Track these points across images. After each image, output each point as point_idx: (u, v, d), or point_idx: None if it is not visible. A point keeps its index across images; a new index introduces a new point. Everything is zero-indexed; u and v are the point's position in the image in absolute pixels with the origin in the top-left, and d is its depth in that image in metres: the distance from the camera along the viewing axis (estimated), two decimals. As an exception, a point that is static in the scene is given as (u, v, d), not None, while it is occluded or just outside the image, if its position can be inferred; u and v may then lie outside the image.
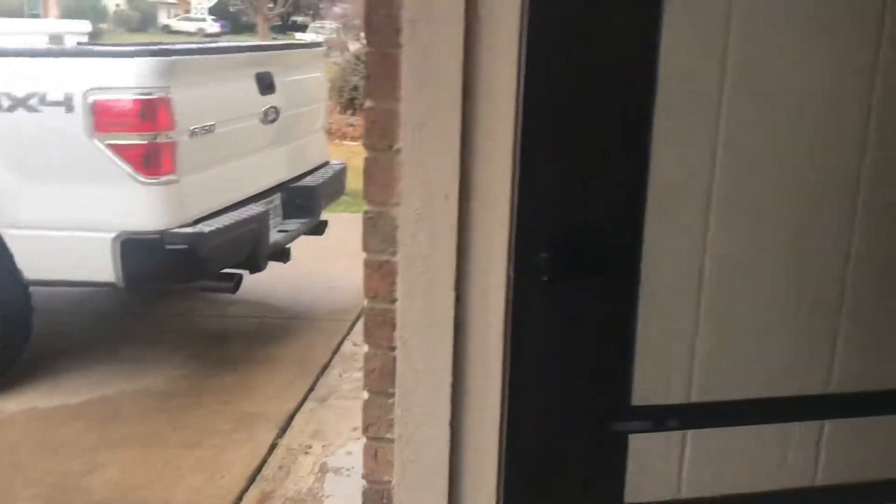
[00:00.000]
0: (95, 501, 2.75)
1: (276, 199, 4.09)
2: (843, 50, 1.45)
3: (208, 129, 3.45)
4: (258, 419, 3.31)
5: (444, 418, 1.51)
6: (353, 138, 9.92)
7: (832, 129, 1.48)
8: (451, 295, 1.47)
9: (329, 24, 23.16)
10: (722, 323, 1.53)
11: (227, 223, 3.47)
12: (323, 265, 5.05)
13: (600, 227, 1.48)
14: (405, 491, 1.55)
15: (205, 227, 3.36)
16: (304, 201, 4.25)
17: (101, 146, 3.19)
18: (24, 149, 3.31)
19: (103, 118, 3.18)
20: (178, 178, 3.28)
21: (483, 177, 1.43)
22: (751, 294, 1.53)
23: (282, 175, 4.16)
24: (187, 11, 44.29)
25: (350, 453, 3.02)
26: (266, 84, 3.93)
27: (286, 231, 4.10)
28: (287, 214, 4.19)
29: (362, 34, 1.48)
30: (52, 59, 3.61)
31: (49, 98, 3.20)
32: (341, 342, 4.12)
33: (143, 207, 3.26)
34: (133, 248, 3.26)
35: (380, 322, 1.51)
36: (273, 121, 3.95)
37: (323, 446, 3.11)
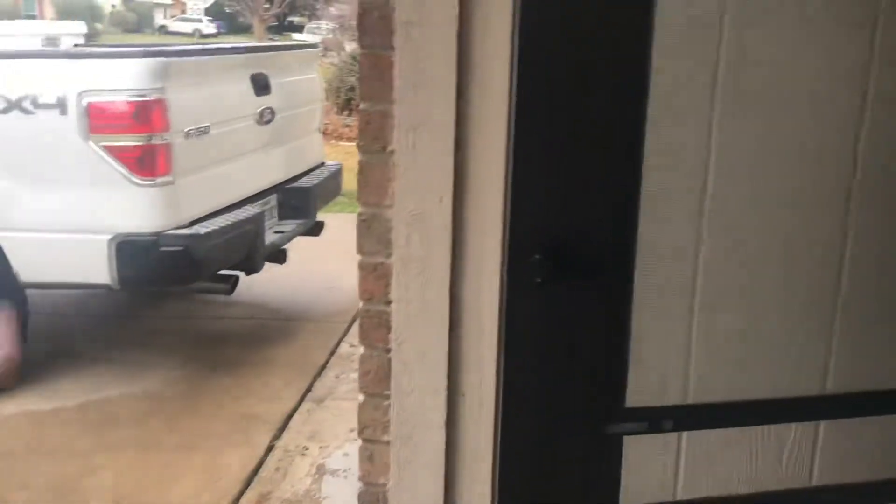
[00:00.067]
0: (91, 505, 2.75)
1: (272, 200, 4.09)
2: (835, 55, 1.45)
3: (203, 131, 3.44)
4: (255, 421, 3.30)
5: (440, 420, 1.51)
6: (350, 139, 9.92)
7: (825, 133, 1.48)
8: (446, 297, 1.47)
9: (325, 25, 23.17)
10: (716, 324, 1.54)
11: (222, 224, 3.46)
12: (319, 266, 5.04)
13: (594, 229, 1.48)
14: (401, 493, 1.55)
15: (200, 229, 3.36)
16: (300, 202, 4.24)
17: (96, 148, 3.19)
18: (18, 151, 3.30)
19: (98, 120, 3.18)
20: (173, 180, 3.28)
21: (477, 179, 1.43)
22: (745, 295, 1.53)
23: (278, 176, 4.16)
24: (183, 12, 44.26)
25: (347, 455, 3.01)
26: (261, 85, 3.92)
27: (282, 232, 4.10)
28: (283, 215, 4.18)
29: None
30: (45, 60, 3.61)
31: (43, 100, 3.20)
32: (338, 343, 4.11)
33: (138, 209, 3.25)
34: (128, 249, 3.25)
35: (375, 324, 1.51)
36: (269, 122, 3.94)
37: (320, 448, 3.11)
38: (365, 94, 1.43)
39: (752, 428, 1.61)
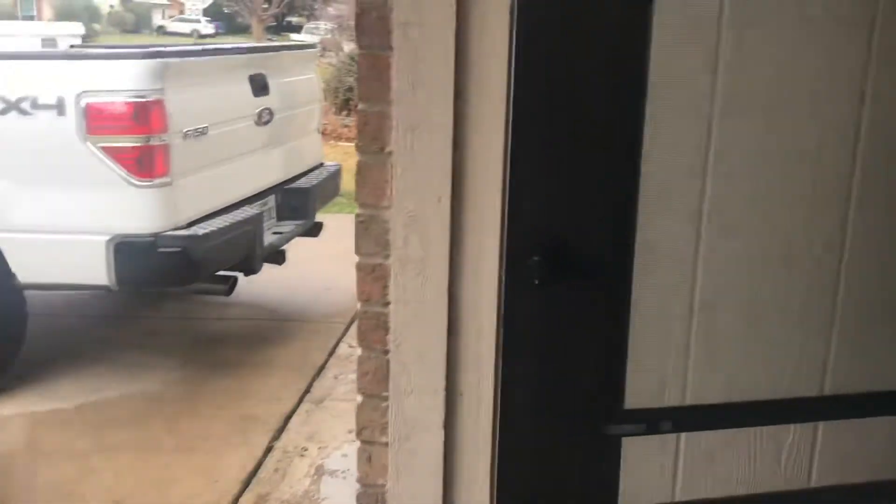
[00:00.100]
0: (90, 506, 2.75)
1: (271, 200, 4.09)
2: (834, 55, 1.45)
3: (202, 132, 3.44)
4: (253, 422, 3.30)
5: (438, 422, 1.51)
6: (349, 139, 9.91)
7: (824, 133, 1.48)
8: (444, 298, 1.46)
9: (324, 25, 23.17)
10: (715, 326, 1.53)
11: (221, 225, 3.46)
12: (318, 267, 5.03)
13: (592, 229, 1.47)
14: (399, 494, 1.55)
15: (199, 230, 3.35)
16: (298, 203, 4.24)
17: (94, 149, 3.18)
18: (17, 152, 3.30)
19: (96, 121, 3.17)
20: (171, 181, 3.27)
21: (475, 179, 1.43)
22: (743, 297, 1.53)
23: (276, 177, 4.15)
24: (181, 13, 44.25)
25: (346, 456, 3.01)
26: (260, 86, 3.92)
27: (281, 233, 4.09)
28: (282, 216, 4.18)
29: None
30: (44, 61, 3.60)
31: (41, 101, 3.19)
32: (337, 344, 4.11)
33: (136, 210, 3.25)
34: (127, 250, 3.25)
35: (373, 325, 1.51)
36: (267, 122, 3.94)
37: (319, 449, 3.11)
38: (363, 95, 1.43)
39: (750, 429, 1.61)
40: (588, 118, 1.43)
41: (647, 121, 1.42)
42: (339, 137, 10.22)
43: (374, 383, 1.52)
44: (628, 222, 1.45)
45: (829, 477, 1.65)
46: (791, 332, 1.56)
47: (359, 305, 1.51)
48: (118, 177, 3.19)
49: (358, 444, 1.56)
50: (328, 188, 4.61)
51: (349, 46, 13.67)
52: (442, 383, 1.50)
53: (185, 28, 39.07)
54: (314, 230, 4.45)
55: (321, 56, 10.95)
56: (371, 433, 1.54)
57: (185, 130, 3.32)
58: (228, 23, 36.77)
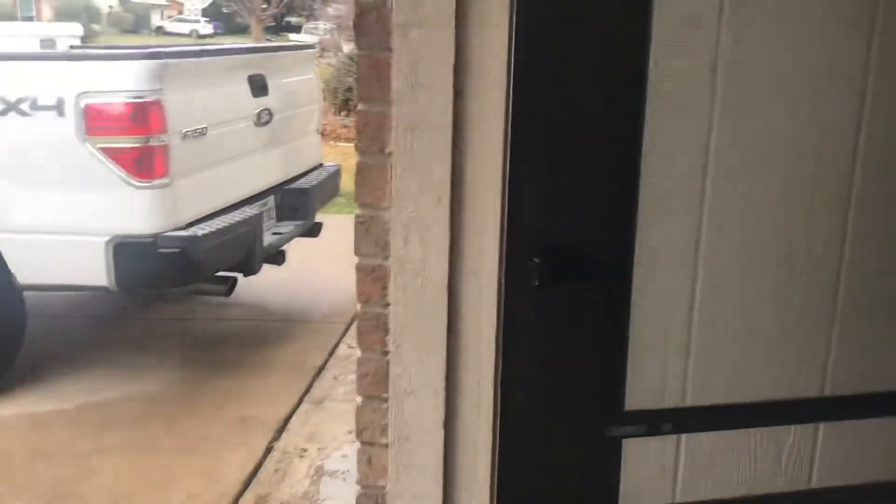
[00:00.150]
0: (89, 507, 2.74)
1: (270, 201, 4.08)
2: (834, 55, 1.45)
3: (201, 132, 3.43)
4: (253, 423, 3.30)
5: (438, 423, 1.51)
6: (348, 140, 9.91)
7: (824, 133, 1.48)
8: (444, 299, 1.46)
9: (323, 25, 23.16)
10: (715, 327, 1.53)
11: (220, 226, 3.45)
12: (317, 267, 5.03)
13: (592, 230, 1.47)
14: (400, 495, 1.55)
15: (198, 231, 3.35)
16: (298, 203, 4.24)
17: (93, 150, 3.18)
18: (16, 153, 3.30)
19: (95, 122, 3.17)
20: (170, 182, 3.27)
21: (475, 180, 1.43)
22: (743, 298, 1.53)
23: (276, 177, 4.15)
24: (180, 13, 44.24)
25: (346, 456, 3.01)
26: (259, 86, 3.91)
27: (280, 233, 4.09)
28: (281, 217, 4.17)
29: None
30: (43, 62, 3.60)
31: (40, 102, 3.19)
32: (336, 345, 4.11)
33: (135, 211, 3.25)
34: (126, 251, 3.25)
35: (373, 326, 1.50)
36: (266, 123, 3.94)
37: (318, 449, 3.11)
38: (362, 96, 1.42)
39: (750, 430, 1.60)
40: (588, 118, 1.43)
41: (646, 121, 1.41)
42: (338, 138, 10.22)
43: (374, 384, 1.52)
44: (628, 223, 1.45)
45: (830, 478, 1.65)
46: (791, 333, 1.56)
47: (358, 306, 1.50)
48: (117, 177, 3.19)
49: (358, 445, 1.56)
50: (328, 188, 4.61)
51: (348, 47, 13.66)
52: (442, 384, 1.49)
53: (184, 28, 39.07)
54: (314, 230, 4.45)
55: (320, 56, 10.95)
56: (371, 434, 1.54)
57: (184, 131, 3.32)
58: (227, 23, 36.76)
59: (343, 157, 7.45)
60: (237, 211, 3.67)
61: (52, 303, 4.39)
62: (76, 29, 5.94)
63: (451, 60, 1.37)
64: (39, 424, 3.29)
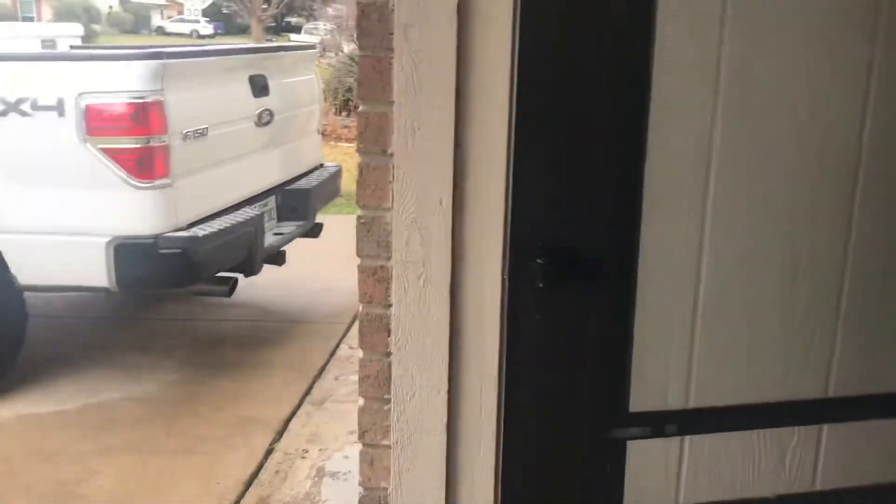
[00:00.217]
0: (90, 509, 2.74)
1: (271, 201, 4.08)
2: (838, 58, 1.44)
3: (202, 133, 3.43)
4: (254, 424, 3.29)
5: (441, 424, 1.50)
6: (348, 140, 9.91)
7: (828, 133, 1.48)
8: (446, 300, 1.46)
9: (323, 26, 23.17)
10: (719, 328, 1.53)
11: (221, 227, 3.45)
12: (318, 268, 5.03)
13: (596, 232, 1.46)
14: (402, 497, 1.54)
15: (199, 231, 3.34)
16: (298, 204, 4.23)
17: (94, 150, 3.17)
18: (16, 153, 3.29)
19: (96, 122, 3.16)
20: (171, 182, 3.27)
21: (477, 182, 1.42)
22: (747, 299, 1.52)
23: (276, 178, 4.15)
24: (180, 13, 44.26)
25: (347, 457, 3.01)
26: (260, 86, 3.91)
27: (281, 234, 4.09)
28: (282, 217, 4.17)
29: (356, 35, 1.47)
30: (44, 62, 3.60)
31: (41, 102, 3.19)
32: (337, 345, 4.10)
33: (136, 212, 3.24)
34: (127, 252, 3.24)
35: (375, 327, 1.50)
36: (267, 123, 3.93)
37: (320, 450, 3.10)
38: (364, 96, 1.42)
39: (754, 432, 1.60)
40: (592, 118, 1.42)
41: (650, 120, 1.41)
42: (338, 138, 10.22)
43: (376, 386, 1.52)
44: (632, 224, 1.44)
45: (834, 480, 1.64)
46: (795, 334, 1.55)
47: (360, 307, 1.50)
48: (118, 178, 3.18)
49: (359, 446, 1.56)
50: (328, 189, 4.60)
51: (349, 47, 13.66)
52: (444, 386, 1.49)
53: (185, 29, 39.11)
54: (314, 231, 4.45)
55: (321, 56, 10.96)
56: (373, 436, 1.54)
57: (185, 131, 3.31)
58: (227, 23, 36.80)
59: (343, 157, 7.45)
60: (238, 211, 3.67)
61: (52, 303, 4.38)
62: (77, 29, 5.93)
63: (454, 60, 1.37)
64: (40, 425, 3.29)
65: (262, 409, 3.42)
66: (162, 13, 45.07)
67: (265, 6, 26.17)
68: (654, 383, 1.53)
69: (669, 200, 1.45)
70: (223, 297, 3.78)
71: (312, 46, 5.67)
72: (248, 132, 3.84)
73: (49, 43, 5.19)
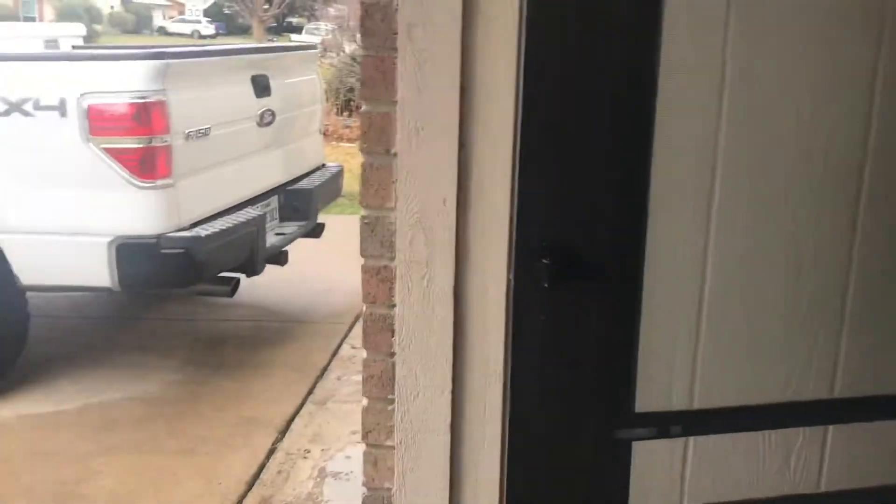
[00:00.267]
0: (92, 509, 2.73)
1: (273, 201, 4.08)
2: (842, 59, 1.44)
3: (204, 133, 3.43)
4: (256, 424, 3.29)
5: (445, 425, 1.50)
6: (350, 140, 9.92)
7: (832, 134, 1.47)
8: (450, 300, 1.45)
9: (324, 26, 23.17)
10: (724, 329, 1.52)
11: (223, 227, 3.45)
12: (320, 268, 5.03)
13: (601, 233, 1.46)
14: (405, 498, 1.54)
15: (201, 231, 3.34)
16: (300, 204, 4.23)
17: (97, 150, 3.17)
18: (19, 153, 3.29)
19: (98, 122, 3.16)
20: (173, 182, 3.26)
21: (482, 181, 1.42)
22: (753, 299, 1.52)
23: (278, 178, 4.14)
24: (182, 13, 44.30)
25: (349, 457, 3.00)
26: (262, 87, 3.91)
27: (283, 234, 4.09)
28: (284, 217, 4.17)
29: (358, 35, 1.46)
30: (46, 62, 3.60)
31: (43, 102, 3.18)
32: (339, 345, 4.10)
33: (138, 211, 3.24)
34: (129, 252, 3.24)
35: (378, 328, 1.49)
36: (269, 123, 3.93)
37: (322, 450, 3.10)
38: (367, 96, 1.41)
39: (759, 432, 1.59)
40: (598, 118, 1.42)
41: (656, 124, 1.40)
42: (340, 138, 10.22)
43: (380, 386, 1.51)
44: (638, 224, 1.44)
45: (839, 481, 1.64)
46: (800, 335, 1.55)
47: (364, 307, 1.49)
48: (120, 178, 3.18)
49: (361, 445, 1.55)
50: (330, 189, 4.60)
51: (350, 47, 13.66)
52: (448, 386, 1.48)
53: (186, 29, 39.14)
54: (316, 231, 4.45)
55: (322, 57, 10.95)
56: (377, 436, 1.53)
57: (187, 131, 3.31)
58: (229, 24, 36.82)
59: (345, 157, 7.46)
60: (240, 211, 3.66)
61: (54, 303, 4.38)
62: (79, 29, 5.93)
63: (458, 60, 1.36)
64: (41, 425, 3.28)
65: (264, 408, 3.42)
66: (163, 13, 45.10)
67: (266, 6, 26.19)
68: (659, 384, 1.53)
69: (674, 201, 1.45)
70: (225, 297, 3.78)
71: (314, 47, 5.67)
72: (250, 132, 3.84)
73: (52, 43, 5.18)
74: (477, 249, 1.44)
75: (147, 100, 3.15)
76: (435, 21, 1.35)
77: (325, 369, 3.82)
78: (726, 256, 1.49)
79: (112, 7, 41.58)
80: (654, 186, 1.43)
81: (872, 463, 1.64)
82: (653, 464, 1.57)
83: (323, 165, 4.69)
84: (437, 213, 1.42)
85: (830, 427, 1.61)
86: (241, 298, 4.16)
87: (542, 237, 1.44)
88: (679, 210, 1.45)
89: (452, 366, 1.48)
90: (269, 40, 23.19)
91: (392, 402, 1.51)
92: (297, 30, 33.68)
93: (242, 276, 3.72)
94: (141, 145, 3.18)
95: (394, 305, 1.47)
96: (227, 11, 33.81)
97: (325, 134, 5.11)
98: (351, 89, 11.03)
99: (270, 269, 4.00)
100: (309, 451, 3.09)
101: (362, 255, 1.47)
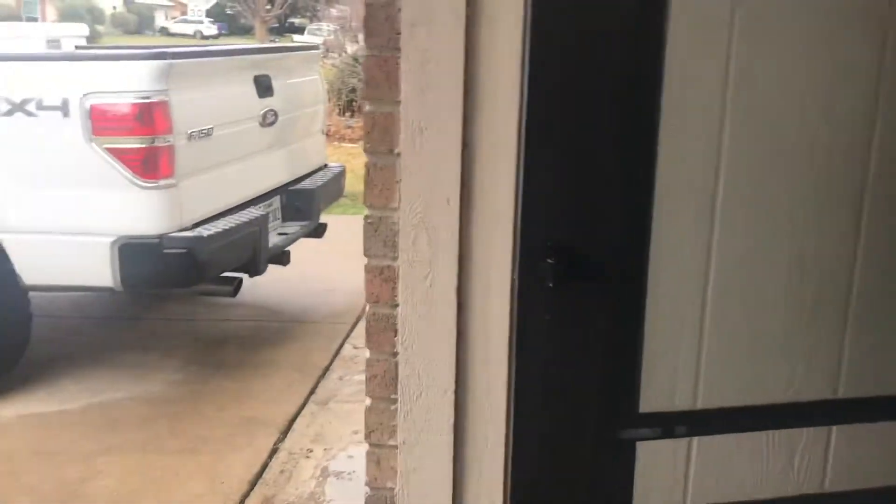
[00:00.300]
0: (94, 509, 2.74)
1: (276, 202, 4.08)
2: (846, 59, 1.44)
3: (207, 133, 3.43)
4: (258, 424, 3.29)
5: (448, 424, 1.50)
6: (352, 140, 9.92)
7: (836, 133, 1.47)
8: (454, 300, 1.45)
9: (326, 26, 23.20)
10: (727, 329, 1.52)
11: (226, 227, 3.45)
12: (322, 268, 5.03)
13: (605, 233, 1.46)
14: (408, 498, 1.53)
15: (204, 231, 3.34)
16: (303, 204, 4.24)
17: (99, 150, 3.17)
18: (22, 153, 3.29)
19: (101, 122, 3.16)
20: (176, 182, 3.27)
21: (485, 181, 1.42)
22: (756, 299, 1.52)
23: (281, 178, 4.15)
24: (184, 14, 44.33)
25: (351, 457, 3.00)
26: (264, 87, 3.91)
27: (285, 234, 4.09)
28: (286, 217, 4.17)
29: (360, 36, 1.46)
30: (48, 63, 3.60)
31: (46, 102, 3.19)
32: (341, 345, 4.10)
33: (141, 211, 3.24)
34: (132, 252, 3.24)
35: (382, 327, 1.49)
36: (271, 124, 3.93)
37: (324, 450, 3.10)
38: (370, 96, 1.41)
39: (763, 433, 1.59)
40: (602, 118, 1.42)
41: (660, 124, 1.40)
42: (342, 138, 10.23)
43: (383, 386, 1.51)
44: (642, 224, 1.44)
45: (843, 481, 1.64)
46: (803, 335, 1.55)
47: (367, 307, 1.49)
48: (123, 178, 3.18)
49: (364, 445, 1.55)
50: (332, 189, 4.61)
51: (352, 47, 13.68)
52: (452, 386, 1.48)
53: (188, 29, 39.16)
54: (318, 231, 4.45)
55: (324, 57, 10.95)
56: (380, 436, 1.53)
57: (189, 131, 3.32)
58: (231, 24, 36.84)
59: (347, 157, 7.46)
60: (243, 211, 3.67)
61: (56, 303, 4.39)
62: (81, 30, 5.93)
63: (461, 60, 1.36)
64: (43, 425, 3.29)
65: (266, 408, 3.42)
66: (166, 14, 45.14)
67: (269, 7, 26.22)
68: (663, 384, 1.52)
69: (679, 201, 1.45)
70: (227, 297, 3.78)
71: (316, 47, 5.67)
72: (252, 132, 3.84)
73: (54, 43, 5.19)
74: (480, 249, 1.44)
75: (150, 100, 3.16)
76: (438, 21, 1.35)
77: (326, 369, 3.83)
78: (729, 256, 1.48)
79: (114, 7, 41.63)
80: (658, 186, 1.43)
81: (876, 463, 1.64)
82: (657, 464, 1.57)
83: (325, 166, 4.69)
84: (441, 212, 1.42)
85: (834, 427, 1.61)
86: (243, 298, 4.16)
87: (547, 237, 1.43)
88: (683, 210, 1.45)
89: (456, 366, 1.48)
90: (272, 41, 23.19)
91: (395, 401, 1.50)
92: (300, 30, 33.69)
93: (245, 276, 3.72)
94: (143, 145, 3.18)
95: (397, 305, 1.47)
96: (229, 12, 33.83)
97: (327, 134, 5.11)
98: (353, 90, 11.03)
99: (272, 269, 4.00)
100: (311, 451, 3.09)
101: (365, 254, 1.47)
